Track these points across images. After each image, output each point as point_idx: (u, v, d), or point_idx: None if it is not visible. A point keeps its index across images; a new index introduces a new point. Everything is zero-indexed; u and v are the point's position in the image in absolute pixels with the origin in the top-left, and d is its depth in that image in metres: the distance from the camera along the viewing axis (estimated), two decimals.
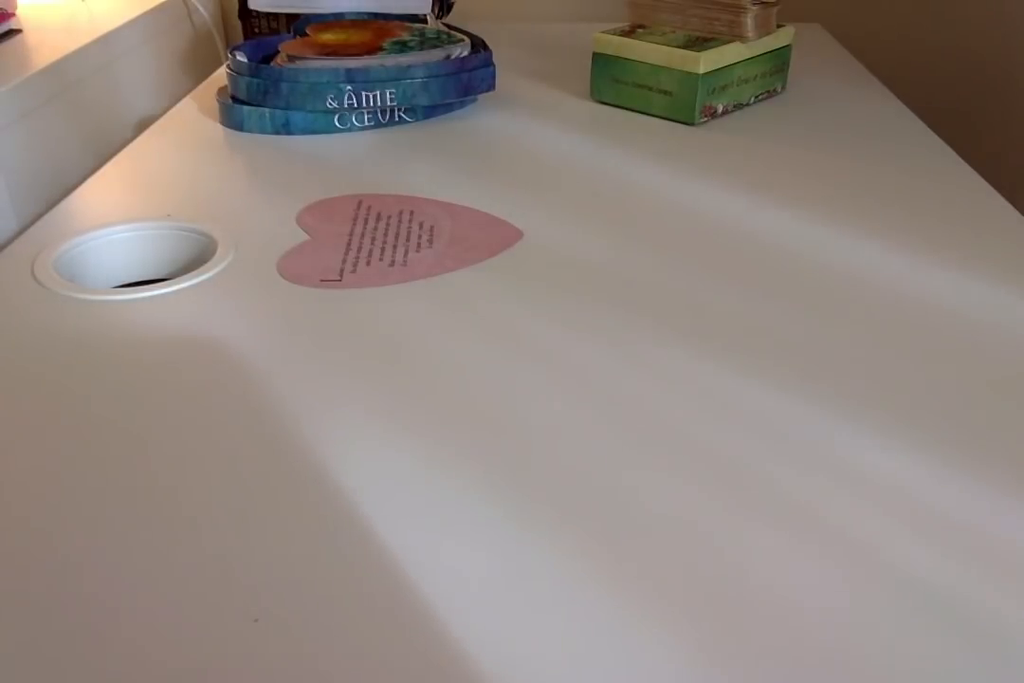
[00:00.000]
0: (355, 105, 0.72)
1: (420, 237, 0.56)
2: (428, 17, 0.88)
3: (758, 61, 0.78)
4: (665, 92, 0.75)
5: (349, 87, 0.71)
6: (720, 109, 0.76)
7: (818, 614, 0.30)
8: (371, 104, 0.72)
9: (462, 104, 0.79)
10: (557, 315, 0.47)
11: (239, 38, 1.19)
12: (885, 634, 0.29)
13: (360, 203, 0.61)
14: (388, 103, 0.73)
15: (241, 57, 0.75)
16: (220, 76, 0.88)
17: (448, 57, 0.76)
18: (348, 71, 0.71)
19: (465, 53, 0.78)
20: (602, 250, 0.54)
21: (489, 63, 0.77)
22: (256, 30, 1.06)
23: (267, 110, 0.73)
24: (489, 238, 0.56)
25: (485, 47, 0.80)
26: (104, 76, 0.86)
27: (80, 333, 0.46)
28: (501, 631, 0.30)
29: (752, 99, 0.80)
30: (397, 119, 0.76)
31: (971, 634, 0.29)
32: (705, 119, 0.75)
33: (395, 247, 0.54)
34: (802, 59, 0.94)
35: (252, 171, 0.66)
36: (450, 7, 0.96)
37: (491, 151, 0.70)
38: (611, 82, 0.79)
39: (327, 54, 0.74)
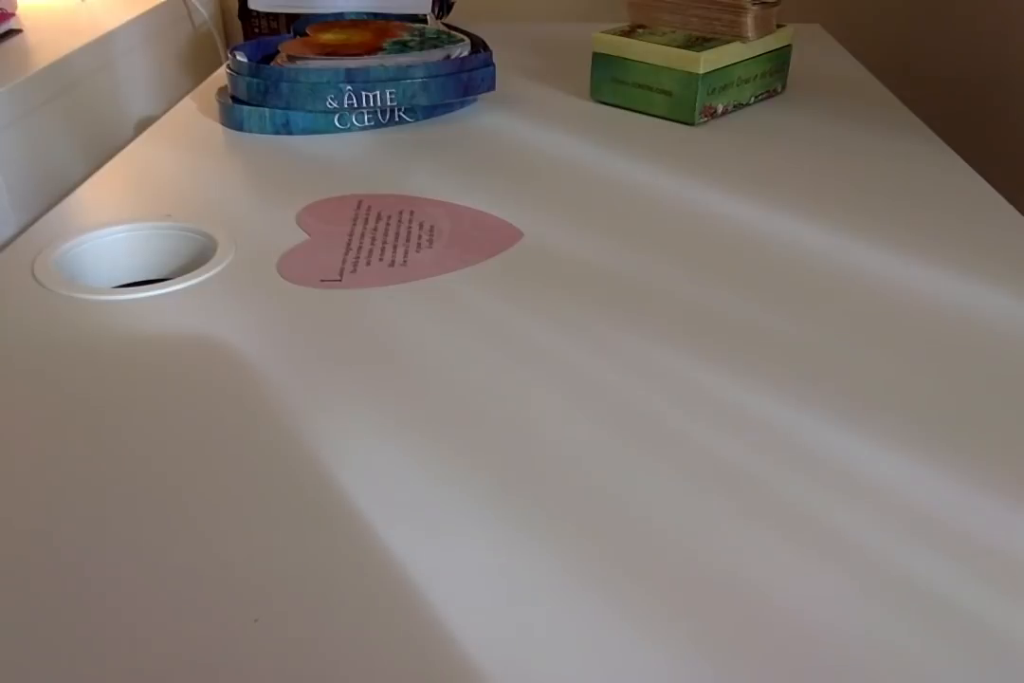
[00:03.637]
0: (355, 105, 0.72)
1: (420, 237, 0.56)
2: (428, 17, 0.88)
3: (758, 61, 0.78)
4: (665, 92, 0.75)
5: (349, 87, 0.71)
6: (720, 109, 0.76)
7: (819, 615, 0.30)
8: (371, 104, 0.72)
9: (462, 104, 0.79)
10: (557, 315, 0.47)
11: (239, 38, 1.19)
12: (886, 636, 0.29)
13: (360, 203, 0.61)
14: (388, 103, 0.73)
15: (241, 57, 0.75)
16: (220, 76, 0.88)
17: (448, 57, 0.76)
18: (348, 71, 0.71)
19: (465, 53, 0.78)
20: (602, 250, 0.54)
21: (489, 63, 0.77)
22: (256, 30, 1.06)
23: (267, 110, 0.73)
24: (489, 238, 0.56)
25: (485, 47, 0.80)
26: (104, 76, 0.86)
27: (80, 333, 0.46)
28: (500, 630, 0.30)
29: (752, 99, 0.80)
30: (397, 119, 0.76)
31: (971, 636, 0.29)
32: (705, 119, 0.75)
33: (395, 247, 0.54)
34: (802, 59, 0.94)
35: (252, 171, 0.66)
36: (450, 7, 0.96)
37: (491, 151, 0.70)
38: (611, 82, 0.79)
39: (327, 54, 0.74)
